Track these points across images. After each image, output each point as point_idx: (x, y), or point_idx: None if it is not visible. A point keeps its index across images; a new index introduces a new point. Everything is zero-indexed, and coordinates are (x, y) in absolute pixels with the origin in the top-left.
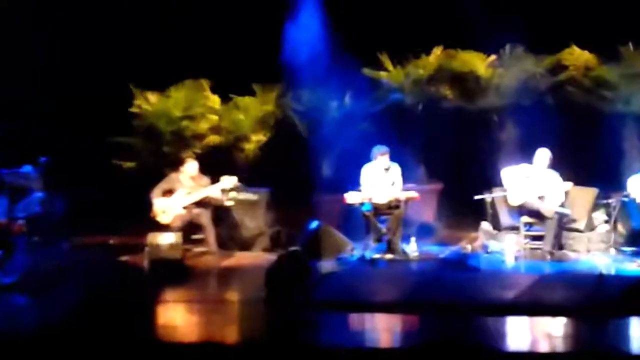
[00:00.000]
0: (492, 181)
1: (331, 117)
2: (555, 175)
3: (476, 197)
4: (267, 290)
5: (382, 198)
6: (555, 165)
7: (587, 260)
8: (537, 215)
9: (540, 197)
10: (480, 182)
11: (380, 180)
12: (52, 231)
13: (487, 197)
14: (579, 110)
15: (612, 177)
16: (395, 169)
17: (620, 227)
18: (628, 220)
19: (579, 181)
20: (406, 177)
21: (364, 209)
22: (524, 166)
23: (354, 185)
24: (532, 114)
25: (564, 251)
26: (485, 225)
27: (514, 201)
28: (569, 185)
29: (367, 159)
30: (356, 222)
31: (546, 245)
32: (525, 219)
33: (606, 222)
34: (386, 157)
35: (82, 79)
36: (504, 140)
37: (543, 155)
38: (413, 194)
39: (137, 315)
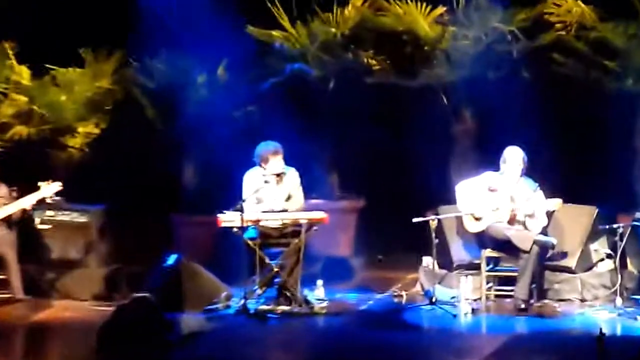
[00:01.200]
0: (439, 196)
1: (198, 98)
2: (533, 188)
3: (415, 220)
4: (99, 357)
5: (273, 220)
6: (533, 172)
7: (580, 315)
8: (507, 247)
9: (513, 221)
10: (422, 197)
11: (270, 194)
12: None
13: (432, 220)
14: (570, 89)
15: (619, 190)
16: (292, 176)
17: (630, 265)
18: None
19: (570, 196)
20: (310, 189)
21: (246, 236)
22: (487, 175)
23: (232, 200)
24: (500, 94)
25: (546, 301)
26: (428, 262)
27: (473, 226)
28: (555, 202)
29: (251, 161)
30: (235, 257)
31: (520, 292)
32: (489, 252)
33: (609, 257)
34: (278, 160)
35: None
36: (457, 134)
37: (514, 157)
38: (320, 214)
39: None
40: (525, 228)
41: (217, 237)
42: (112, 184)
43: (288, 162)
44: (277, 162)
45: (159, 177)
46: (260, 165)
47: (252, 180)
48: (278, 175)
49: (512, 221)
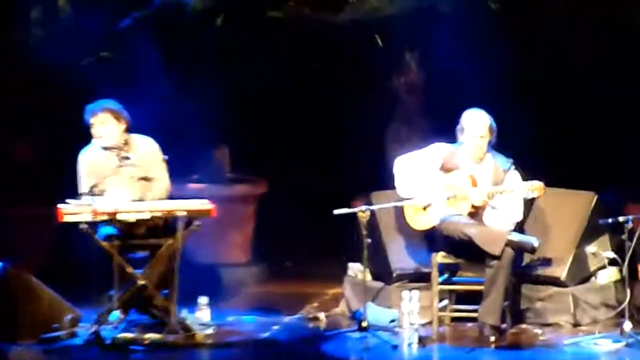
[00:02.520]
0: (373, 179)
1: (31, 41)
2: (505, 167)
3: (338, 212)
4: None
5: (137, 212)
6: (506, 147)
7: (573, 346)
8: (469, 250)
9: (476, 213)
10: (349, 179)
11: (125, 177)
12: None
13: (362, 211)
14: (561, 25)
15: (627, 171)
16: (148, 151)
17: None
18: None
19: (559, 179)
20: (189, 169)
21: (99, 235)
22: (438, 148)
23: (76, 187)
24: (458, 34)
25: (524, 326)
26: (356, 270)
27: (419, 220)
28: (536, 186)
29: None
30: (85, 264)
31: (487, 314)
32: (443, 257)
33: (614, 263)
34: (110, 127)
35: None
36: (398, 91)
37: (477, 124)
38: (204, 204)
39: None
40: (494, 223)
41: (58, 237)
42: None
43: (157, 128)
44: (107, 130)
45: None
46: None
47: (92, 162)
48: (118, 149)
49: (474, 213)
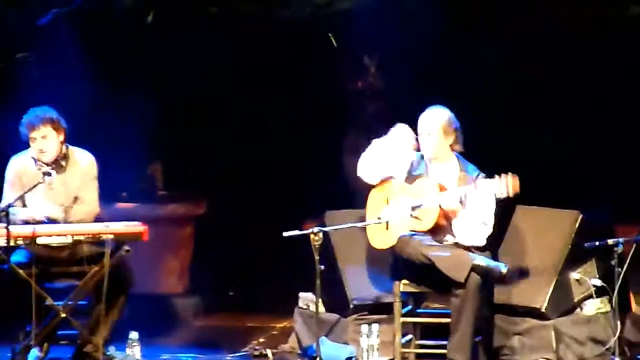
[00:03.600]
0: (327, 197)
1: None
2: (472, 175)
3: (287, 235)
4: None
5: (58, 236)
6: (476, 158)
7: None
8: (431, 276)
9: (440, 230)
10: (299, 198)
11: (46, 194)
12: None
13: (314, 234)
14: (547, 17)
15: (617, 187)
16: (85, 166)
17: (635, 305)
18: None
19: (538, 197)
20: (117, 186)
21: (14, 261)
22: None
23: None
24: (422, 30)
25: None
26: (308, 301)
27: (380, 239)
28: (510, 184)
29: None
30: None
31: (455, 351)
32: (407, 285)
33: (601, 292)
34: (49, 138)
35: None
36: (355, 96)
37: (425, 121)
38: (135, 226)
39: None
40: (466, 230)
41: None
42: None
43: (80, 138)
44: (48, 145)
45: None
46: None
47: (20, 172)
48: (54, 163)
49: (437, 230)
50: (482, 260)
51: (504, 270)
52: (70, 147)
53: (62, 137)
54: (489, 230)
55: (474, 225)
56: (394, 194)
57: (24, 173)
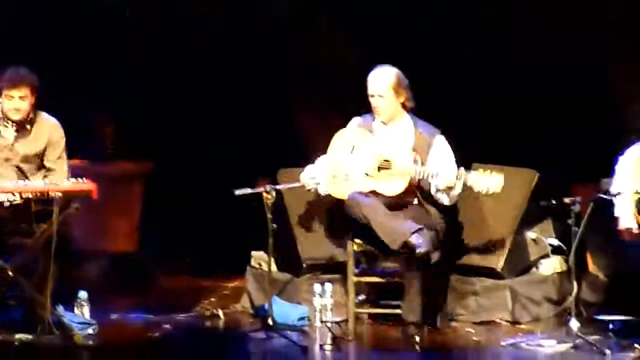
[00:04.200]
0: (281, 154)
1: None
2: (428, 133)
3: (238, 193)
4: None
5: (2, 191)
6: (431, 114)
7: (511, 348)
8: (378, 239)
9: (411, 189)
10: (251, 154)
11: (5, 151)
12: None
13: (267, 192)
14: None
15: (575, 145)
16: (52, 131)
17: (591, 265)
18: (612, 248)
19: (494, 155)
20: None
21: None
22: (354, 120)
23: None
24: None
25: (454, 324)
26: (260, 260)
27: (334, 188)
28: (494, 182)
29: None
30: None
31: (409, 311)
32: (360, 245)
33: (558, 251)
34: (24, 98)
35: None
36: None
37: (372, 82)
38: (83, 183)
39: None
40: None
41: None
42: None
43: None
44: (20, 103)
45: None
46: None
47: None
48: (20, 124)
49: (407, 194)
50: (416, 237)
51: (423, 249)
52: (39, 112)
53: (34, 101)
54: (451, 180)
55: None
56: (361, 144)
57: None
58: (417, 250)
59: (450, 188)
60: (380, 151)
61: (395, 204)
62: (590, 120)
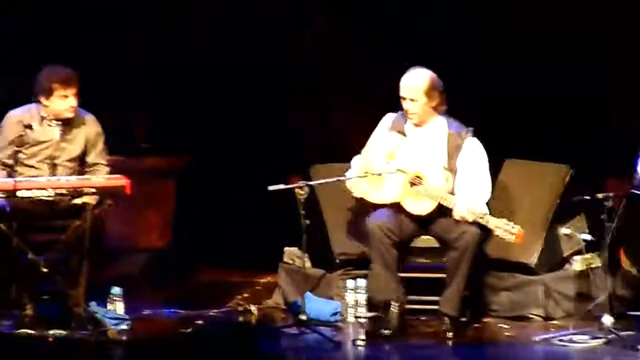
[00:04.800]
0: (314, 150)
1: None
2: (461, 134)
3: (272, 189)
4: None
5: (38, 189)
6: (461, 110)
7: (544, 343)
8: (420, 230)
9: (429, 183)
10: (283, 151)
11: (52, 151)
12: None
13: (300, 188)
14: None
15: (608, 139)
16: (91, 128)
17: (625, 260)
18: None
19: (526, 150)
20: None
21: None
22: (386, 118)
23: None
24: None
25: (488, 320)
26: (293, 256)
27: (374, 194)
28: (516, 232)
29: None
30: None
31: (447, 305)
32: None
33: (591, 247)
34: (69, 93)
35: None
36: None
37: (403, 86)
38: (117, 179)
39: None
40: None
41: None
42: None
43: None
44: (74, 101)
45: None
46: (39, 102)
47: (16, 126)
48: (65, 122)
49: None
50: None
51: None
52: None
53: (75, 97)
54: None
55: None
56: (400, 153)
57: (18, 127)
58: (387, 318)
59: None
60: (415, 165)
61: (421, 219)
62: (625, 116)
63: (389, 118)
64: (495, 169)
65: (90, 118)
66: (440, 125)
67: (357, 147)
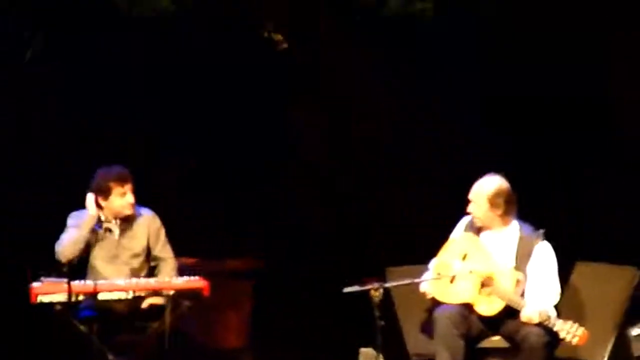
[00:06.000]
0: (390, 251)
1: None
2: (532, 238)
3: (347, 290)
4: None
5: (119, 291)
6: (528, 214)
7: None
8: (488, 332)
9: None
10: (359, 253)
11: (115, 249)
12: None
13: (375, 289)
14: None
15: None
16: (151, 224)
17: None
18: None
19: (593, 252)
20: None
21: (76, 318)
22: (463, 220)
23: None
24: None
25: None
26: (369, 356)
27: (441, 291)
28: (579, 334)
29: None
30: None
31: None
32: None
33: None
34: (125, 190)
35: None
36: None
37: (479, 192)
38: (196, 281)
39: None
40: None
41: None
42: None
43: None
44: (132, 197)
45: None
46: (97, 204)
47: (78, 227)
48: (124, 220)
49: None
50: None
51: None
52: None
53: (132, 193)
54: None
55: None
56: (473, 254)
57: (82, 225)
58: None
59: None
60: (486, 266)
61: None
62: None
63: (465, 221)
64: (566, 271)
65: (148, 214)
66: (513, 230)
67: (433, 249)
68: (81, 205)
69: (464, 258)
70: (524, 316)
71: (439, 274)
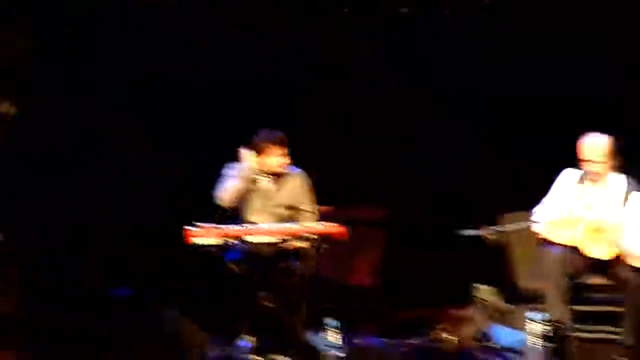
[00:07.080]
0: (506, 197)
1: None
2: (627, 189)
3: (465, 233)
4: None
5: (264, 234)
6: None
7: None
8: (599, 270)
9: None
10: (476, 197)
11: (265, 199)
12: None
13: (491, 233)
14: None
15: None
16: (297, 177)
17: None
18: None
19: None
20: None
21: (227, 258)
22: (567, 173)
23: (207, 212)
24: None
25: None
26: (484, 293)
27: (559, 235)
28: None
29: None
30: (213, 289)
31: (629, 336)
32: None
33: None
34: (282, 152)
35: None
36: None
37: (600, 151)
38: (336, 227)
39: None
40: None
41: (188, 259)
42: None
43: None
44: (284, 158)
45: None
46: (273, 160)
47: (235, 180)
48: (277, 176)
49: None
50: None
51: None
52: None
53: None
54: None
55: None
56: (583, 202)
57: (240, 179)
58: (561, 347)
59: None
60: (597, 213)
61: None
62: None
63: (568, 174)
64: None
65: (297, 172)
66: (612, 179)
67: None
68: (231, 160)
69: (576, 199)
70: (629, 260)
71: (552, 219)
